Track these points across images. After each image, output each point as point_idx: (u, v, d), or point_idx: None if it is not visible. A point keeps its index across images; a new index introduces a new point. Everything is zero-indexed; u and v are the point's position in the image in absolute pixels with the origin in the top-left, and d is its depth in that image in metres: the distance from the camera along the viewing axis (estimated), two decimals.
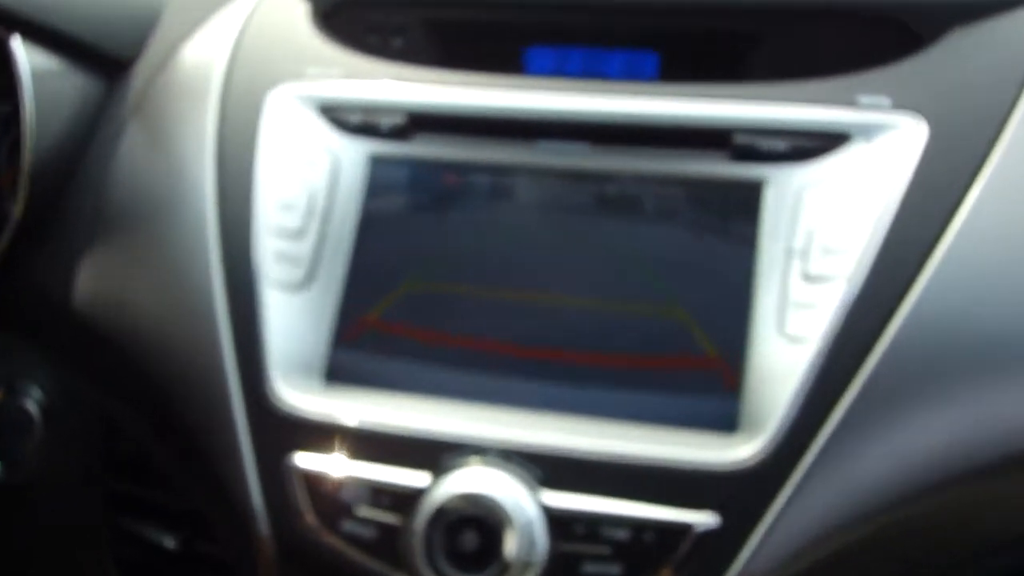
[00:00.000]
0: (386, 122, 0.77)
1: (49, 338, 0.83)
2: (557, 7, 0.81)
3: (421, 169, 0.76)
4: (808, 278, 0.66)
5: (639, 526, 0.62)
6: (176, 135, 0.82)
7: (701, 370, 0.67)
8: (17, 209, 0.81)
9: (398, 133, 0.77)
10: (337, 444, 0.67)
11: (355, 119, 0.78)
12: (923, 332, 0.63)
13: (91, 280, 0.81)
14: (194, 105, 0.82)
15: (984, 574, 0.66)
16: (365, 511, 0.65)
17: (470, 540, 0.62)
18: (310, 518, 0.67)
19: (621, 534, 0.62)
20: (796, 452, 0.62)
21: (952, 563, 0.65)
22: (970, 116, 0.69)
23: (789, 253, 0.67)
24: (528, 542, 0.61)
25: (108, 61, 0.88)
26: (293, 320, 0.72)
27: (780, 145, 0.70)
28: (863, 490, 0.62)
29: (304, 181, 0.76)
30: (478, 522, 0.62)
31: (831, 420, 0.62)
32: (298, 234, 0.74)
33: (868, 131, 0.69)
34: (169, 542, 0.78)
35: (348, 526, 0.66)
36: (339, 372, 0.71)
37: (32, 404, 0.82)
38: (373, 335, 0.72)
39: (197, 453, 0.72)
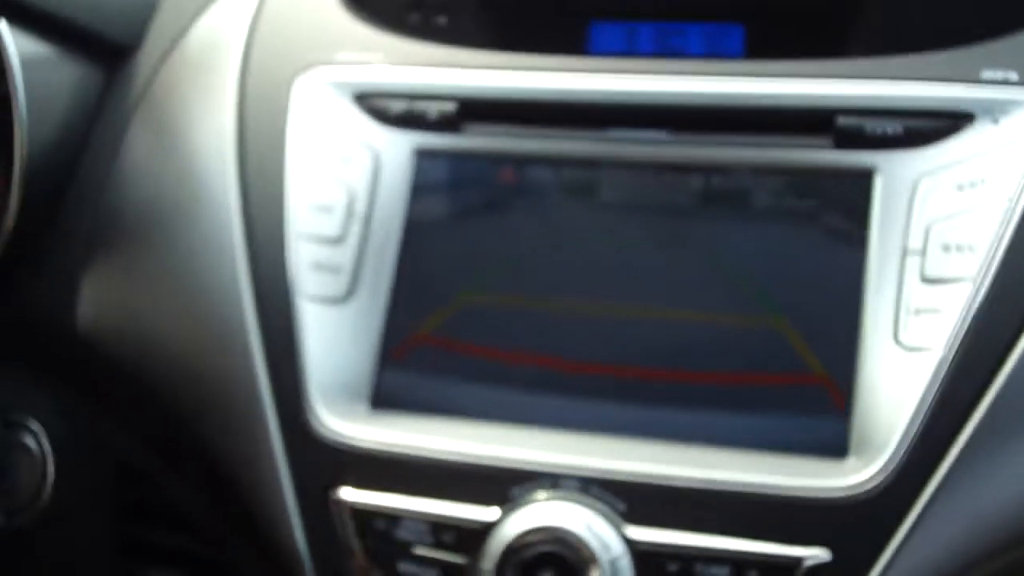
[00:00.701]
0: (433, 111, 0.75)
1: (50, 366, 0.83)
2: None
3: (474, 164, 0.75)
4: (927, 280, 0.63)
5: (740, 563, 0.60)
6: (189, 130, 0.80)
7: (805, 387, 0.64)
8: (8, 219, 0.78)
9: (447, 123, 0.75)
10: (389, 476, 0.66)
11: (397, 108, 0.76)
12: None
13: (96, 299, 0.79)
14: (208, 96, 0.80)
15: None
16: (424, 550, 0.64)
17: None
18: (361, 559, 0.65)
19: (720, 573, 0.60)
20: (918, 478, 0.59)
21: None
22: None
23: (905, 252, 0.65)
24: None
25: (106, 48, 0.86)
26: (334, 337, 0.70)
27: (891, 128, 0.68)
28: (995, 519, 0.60)
29: (342, 180, 0.74)
30: (557, 560, 0.60)
31: (958, 441, 0.59)
32: (337, 240, 0.73)
33: (993, 109, 0.66)
34: None
35: (405, 567, 0.64)
36: (387, 395, 0.70)
37: (32, 440, 0.81)
38: (424, 353, 0.70)
39: (228, 491, 0.71)
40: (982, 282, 0.62)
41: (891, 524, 0.59)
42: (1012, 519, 0.59)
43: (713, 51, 0.75)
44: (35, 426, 0.82)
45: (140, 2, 0.89)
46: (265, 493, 0.68)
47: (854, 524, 0.59)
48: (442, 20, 0.81)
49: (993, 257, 0.62)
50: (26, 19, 0.80)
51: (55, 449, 0.81)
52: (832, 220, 0.68)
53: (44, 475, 0.80)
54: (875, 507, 0.59)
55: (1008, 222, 0.62)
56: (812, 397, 0.64)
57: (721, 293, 0.68)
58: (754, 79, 0.71)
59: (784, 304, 0.66)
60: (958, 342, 0.61)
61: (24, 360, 0.84)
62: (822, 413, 0.63)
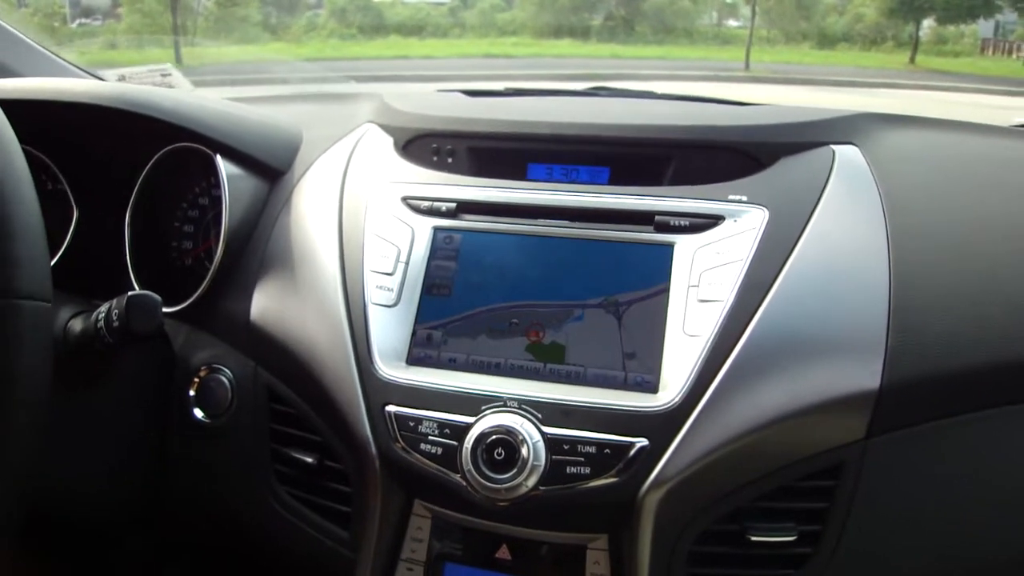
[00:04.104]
0: (443, 207, 0.83)
1: (235, 338, 0.86)
2: (548, 140, 0.87)
3: (465, 234, 0.81)
4: (700, 301, 0.73)
5: (601, 445, 0.68)
6: (313, 218, 0.86)
7: (636, 356, 0.73)
8: (217, 259, 0.86)
9: (450, 214, 0.82)
10: (415, 399, 0.73)
11: (425, 206, 0.83)
12: (766, 332, 0.70)
13: (261, 303, 0.84)
14: (325, 199, 0.87)
15: (782, 479, 0.71)
16: (433, 438, 0.71)
17: (499, 453, 0.68)
18: (399, 444, 0.72)
19: (590, 450, 0.68)
20: (691, 404, 0.68)
21: (773, 467, 0.70)
22: (792, 207, 0.77)
23: (688, 286, 0.74)
24: (535, 454, 0.68)
25: (271, 171, 0.93)
26: (387, 326, 0.77)
27: (684, 222, 0.77)
28: (726, 425, 0.68)
29: (394, 243, 0.81)
30: (505, 443, 0.68)
31: (712, 386, 0.68)
32: (390, 274, 0.80)
33: (734, 214, 0.77)
34: (309, 459, 0.80)
35: (423, 447, 0.71)
36: (415, 358, 0.76)
37: (224, 378, 0.85)
38: (436, 336, 0.77)
39: (330, 407, 0.76)
40: (727, 302, 0.72)
41: (679, 425, 0.68)
42: (736, 424, 0.68)
43: (592, 180, 0.84)
44: (226, 371, 0.86)
45: (290, 147, 0.95)
46: (350, 407, 0.74)
47: (659, 426, 0.68)
48: (449, 159, 0.89)
49: (733, 289, 0.72)
50: (230, 155, 0.90)
51: (235, 383, 0.85)
52: (652, 270, 0.76)
53: (230, 397, 0.85)
54: (670, 417, 0.68)
55: (740, 270, 0.73)
56: (642, 361, 0.72)
57: (596, 307, 0.75)
58: (614, 196, 0.80)
59: (629, 312, 0.74)
60: (714, 334, 0.70)
61: (220, 336, 0.87)
62: (646, 369, 0.72)
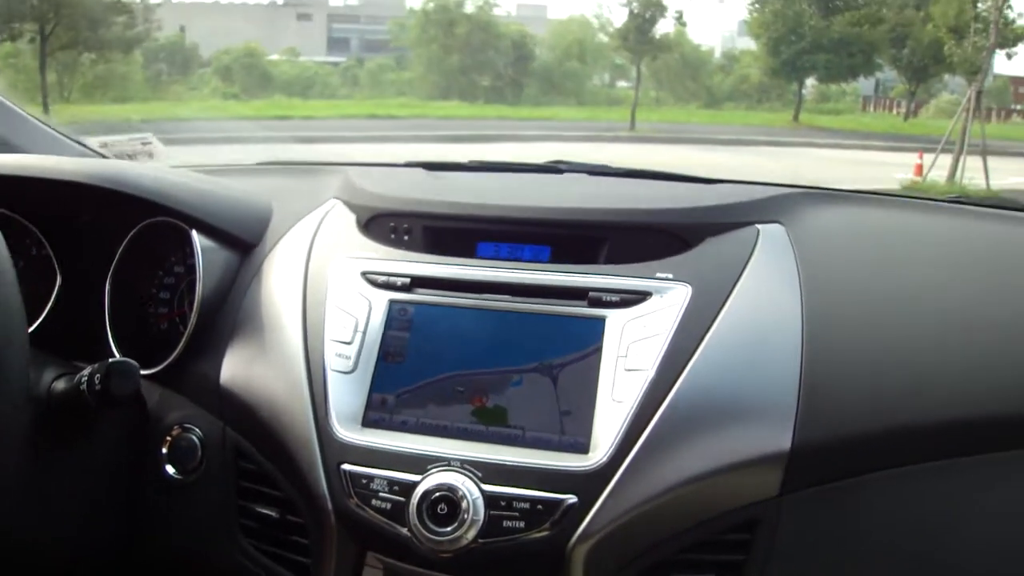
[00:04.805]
0: (398, 282, 0.87)
1: (206, 399, 0.90)
2: (496, 221, 0.92)
3: (418, 307, 0.86)
4: (627, 370, 0.77)
5: (535, 501, 0.73)
6: (280, 289, 0.91)
7: (570, 420, 0.77)
8: (190, 326, 0.91)
9: (406, 288, 0.87)
10: (369, 459, 0.77)
11: (382, 280, 0.88)
12: (685, 399, 0.75)
13: (229, 368, 0.89)
14: (291, 272, 0.92)
15: (702, 534, 0.75)
16: (384, 495, 0.75)
17: (442, 508, 0.73)
18: (353, 500, 0.76)
19: (525, 506, 0.72)
20: (616, 464, 0.73)
21: (693, 522, 0.74)
22: (714, 284, 0.82)
23: (617, 356, 0.79)
24: (474, 510, 0.72)
25: (242, 244, 0.98)
26: (345, 391, 0.82)
27: (615, 298, 0.82)
28: (649, 485, 0.73)
29: (352, 314, 0.86)
30: (447, 500, 0.73)
31: (635, 448, 0.73)
32: (348, 343, 0.84)
33: (661, 291, 0.82)
34: (272, 514, 0.84)
35: (374, 503, 0.75)
36: (370, 421, 0.81)
37: (195, 438, 0.89)
38: (389, 401, 0.82)
39: (292, 465, 0.80)
40: (650, 372, 0.76)
41: (605, 483, 0.72)
42: (657, 484, 0.72)
43: (535, 258, 0.90)
44: (196, 430, 0.89)
45: (261, 221, 1.01)
46: (309, 466, 0.78)
47: (587, 484, 0.72)
48: (405, 237, 0.94)
49: (656, 360, 0.77)
50: (205, 230, 0.95)
51: (205, 442, 0.89)
52: (585, 341, 0.80)
53: (200, 455, 0.88)
54: (597, 475, 0.72)
55: (664, 342, 0.78)
56: (574, 425, 0.77)
57: (531, 374, 0.80)
58: (553, 274, 0.86)
59: (562, 380, 0.79)
60: (639, 401, 0.75)
61: (191, 397, 0.91)
62: (577, 432, 0.76)
